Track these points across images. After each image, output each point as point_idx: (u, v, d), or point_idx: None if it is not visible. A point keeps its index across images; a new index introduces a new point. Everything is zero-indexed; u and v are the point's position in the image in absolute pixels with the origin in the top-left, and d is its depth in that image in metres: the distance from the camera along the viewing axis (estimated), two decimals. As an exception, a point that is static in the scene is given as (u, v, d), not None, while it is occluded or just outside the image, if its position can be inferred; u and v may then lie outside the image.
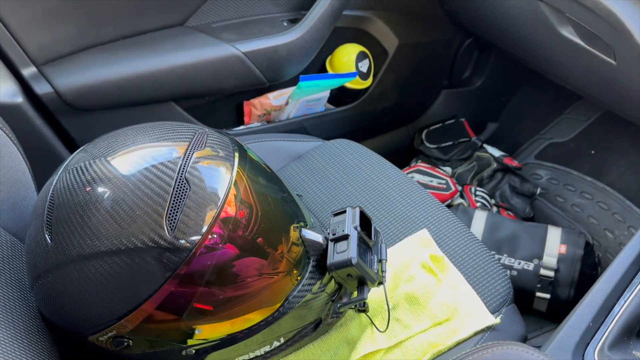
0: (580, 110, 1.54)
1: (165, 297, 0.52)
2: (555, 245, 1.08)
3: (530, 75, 1.53)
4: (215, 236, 0.53)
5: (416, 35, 1.38)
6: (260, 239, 0.56)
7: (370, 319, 0.68)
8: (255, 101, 1.17)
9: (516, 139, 1.59)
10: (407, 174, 1.37)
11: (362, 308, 0.66)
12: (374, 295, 0.70)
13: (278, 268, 0.59)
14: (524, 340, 0.71)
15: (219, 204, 0.53)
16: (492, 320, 0.70)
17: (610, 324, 0.64)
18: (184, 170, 0.53)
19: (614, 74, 0.88)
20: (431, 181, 1.33)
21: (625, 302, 0.66)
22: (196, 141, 0.57)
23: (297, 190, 0.90)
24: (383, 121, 1.47)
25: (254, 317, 0.59)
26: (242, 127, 1.19)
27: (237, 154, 0.58)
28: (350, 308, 0.68)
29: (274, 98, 1.17)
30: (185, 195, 0.52)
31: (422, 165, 1.39)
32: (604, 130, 1.49)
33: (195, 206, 0.52)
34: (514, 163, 1.40)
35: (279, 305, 0.59)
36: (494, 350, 0.49)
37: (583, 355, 0.62)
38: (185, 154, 0.55)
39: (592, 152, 1.48)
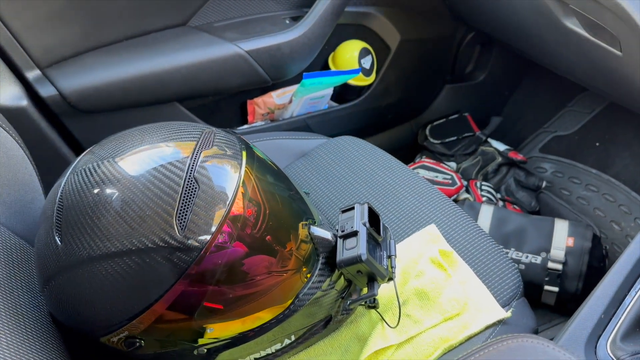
0: (584, 102, 1.54)
1: (176, 297, 0.52)
2: (562, 238, 1.08)
3: (533, 68, 1.53)
4: (224, 235, 0.53)
5: (418, 30, 1.37)
6: (268, 236, 0.56)
7: (381, 315, 0.68)
8: (259, 100, 1.17)
9: (520, 133, 1.58)
10: (412, 169, 1.37)
11: (372, 304, 0.66)
12: (383, 291, 0.70)
13: (287, 266, 0.58)
14: (535, 333, 0.71)
15: (228, 202, 0.53)
16: (503, 314, 0.70)
17: (622, 315, 0.64)
18: (193, 169, 0.53)
19: (619, 65, 0.87)
20: (436, 177, 1.33)
21: (636, 293, 0.66)
22: (204, 140, 0.57)
23: (303, 188, 0.90)
24: (387, 117, 1.46)
25: (265, 316, 0.59)
26: (246, 126, 1.19)
27: (244, 153, 0.58)
28: (360, 304, 0.68)
29: (277, 96, 1.17)
30: (194, 194, 0.52)
31: (426, 161, 1.39)
32: (608, 122, 1.49)
33: (205, 205, 0.52)
34: (519, 157, 1.40)
35: (289, 303, 0.59)
36: (509, 343, 0.49)
37: (595, 347, 0.62)
38: (193, 154, 0.55)
39: (597, 144, 1.48)
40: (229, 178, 0.55)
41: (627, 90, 0.92)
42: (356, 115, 1.36)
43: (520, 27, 1.11)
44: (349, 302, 0.65)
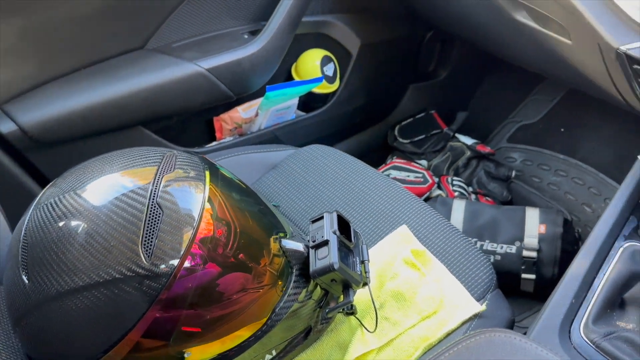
0: (546, 90, 1.57)
1: (150, 325, 0.52)
2: (534, 225, 1.10)
3: (493, 62, 1.56)
4: (196, 257, 0.52)
5: (377, 34, 1.39)
6: (241, 254, 0.56)
7: (360, 321, 0.69)
8: (225, 116, 1.17)
9: (487, 126, 1.61)
10: (384, 171, 1.38)
11: (350, 311, 0.67)
12: (361, 296, 0.71)
13: (263, 281, 0.59)
14: (512, 323, 0.72)
15: (194, 225, 0.53)
16: (478, 307, 0.71)
17: (592, 298, 0.66)
18: (155, 195, 0.53)
19: (571, 53, 0.89)
20: (408, 176, 1.35)
21: (604, 275, 0.67)
22: (165, 164, 0.57)
23: (275, 200, 0.90)
24: (355, 122, 1.48)
25: (243, 333, 0.59)
26: (214, 143, 1.19)
27: (207, 173, 0.58)
28: (339, 312, 0.68)
29: (243, 111, 1.17)
30: (158, 220, 0.52)
31: (397, 161, 1.40)
32: (570, 107, 1.53)
33: (171, 230, 0.52)
34: (487, 149, 1.42)
35: (266, 318, 0.59)
36: (478, 339, 0.50)
37: (569, 333, 0.63)
38: (154, 179, 0.55)
39: (562, 129, 1.51)
40: (194, 200, 0.55)
41: (581, 76, 0.95)
42: (324, 122, 1.37)
43: (474, 23, 1.13)
44: (326, 311, 0.66)
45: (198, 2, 1.07)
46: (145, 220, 0.51)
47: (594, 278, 0.68)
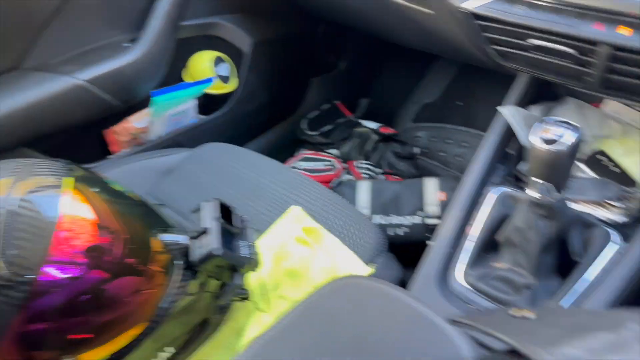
0: (440, 69, 1.64)
1: (22, 335, 0.50)
2: (433, 194, 1.14)
3: (387, 47, 1.61)
4: (63, 264, 0.52)
5: (269, 31, 1.40)
6: (125, 259, 0.56)
7: (255, 304, 0.69)
8: (117, 128, 1.14)
9: (391, 109, 1.66)
10: (293, 164, 1.40)
11: (244, 296, 0.67)
12: (256, 281, 0.71)
13: (149, 281, 0.58)
14: (403, 283, 0.75)
15: (53, 230, 0.52)
16: (367, 270, 0.73)
17: (467, 245, 0.69)
18: (11, 204, 0.52)
19: (436, 22, 0.93)
20: (317, 165, 1.37)
21: (476, 221, 0.71)
22: (22, 173, 0.55)
23: (173, 203, 0.89)
24: (262, 120, 1.48)
25: (134, 332, 0.58)
26: (113, 156, 1.16)
27: (70, 179, 0.57)
28: (232, 300, 0.68)
29: (135, 121, 1.15)
30: (15, 228, 0.51)
31: (306, 153, 1.42)
32: (465, 81, 1.60)
33: (31, 237, 0.51)
34: (390, 130, 1.47)
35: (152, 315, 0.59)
36: (327, 287, 0.51)
37: (447, 281, 0.66)
38: (10, 188, 0.53)
39: (460, 104, 1.58)
40: (53, 206, 0.54)
41: (453, 45, 0.99)
42: (229, 123, 1.36)
43: (351, 9, 1.16)
44: (218, 299, 0.66)
45: (71, 17, 1.03)
46: (2, 230, 0.50)
47: (466, 225, 0.71)
